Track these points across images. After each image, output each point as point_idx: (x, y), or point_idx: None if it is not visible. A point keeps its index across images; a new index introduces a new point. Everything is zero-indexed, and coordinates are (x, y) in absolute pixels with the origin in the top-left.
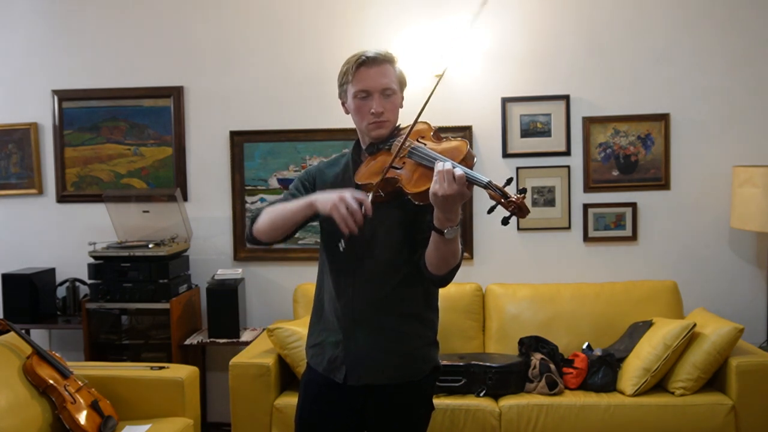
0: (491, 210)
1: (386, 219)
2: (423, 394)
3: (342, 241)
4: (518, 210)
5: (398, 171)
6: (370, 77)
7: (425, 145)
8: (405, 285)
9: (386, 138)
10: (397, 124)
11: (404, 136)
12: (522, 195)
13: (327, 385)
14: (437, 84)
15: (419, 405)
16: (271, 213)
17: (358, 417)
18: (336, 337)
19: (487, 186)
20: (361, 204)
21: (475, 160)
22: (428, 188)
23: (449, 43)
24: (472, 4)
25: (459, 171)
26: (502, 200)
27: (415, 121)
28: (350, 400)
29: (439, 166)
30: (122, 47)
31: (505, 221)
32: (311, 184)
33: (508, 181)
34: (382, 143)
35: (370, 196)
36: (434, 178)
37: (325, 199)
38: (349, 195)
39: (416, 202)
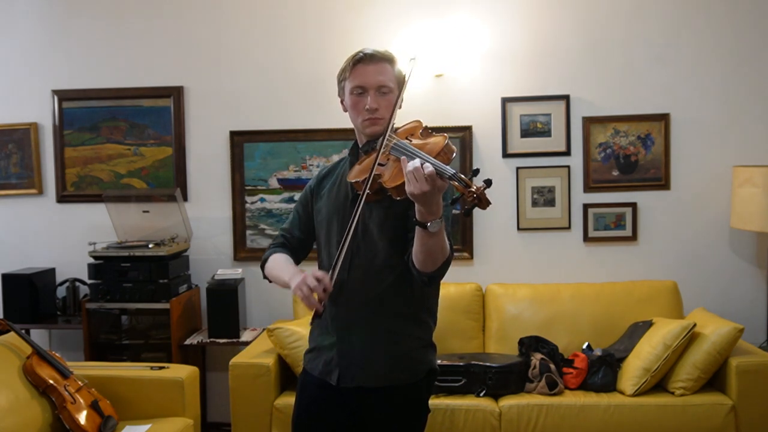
0: (454, 201)
1: (379, 219)
2: (418, 397)
3: (313, 317)
4: (478, 201)
5: (382, 167)
6: (366, 74)
7: (410, 142)
8: (399, 285)
9: (381, 136)
10: (393, 124)
11: (386, 133)
12: (483, 185)
13: (322, 387)
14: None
15: (414, 407)
16: (272, 269)
17: (353, 419)
18: (330, 340)
19: (452, 177)
20: (320, 281)
21: (455, 154)
22: (403, 182)
23: (451, 44)
24: (473, 4)
25: (429, 168)
26: (465, 191)
27: (393, 115)
28: (345, 402)
29: (407, 166)
30: (122, 47)
31: (466, 212)
32: (310, 201)
33: (475, 172)
34: (376, 142)
35: (332, 274)
36: (405, 178)
37: (294, 282)
38: (310, 275)
39: (395, 197)
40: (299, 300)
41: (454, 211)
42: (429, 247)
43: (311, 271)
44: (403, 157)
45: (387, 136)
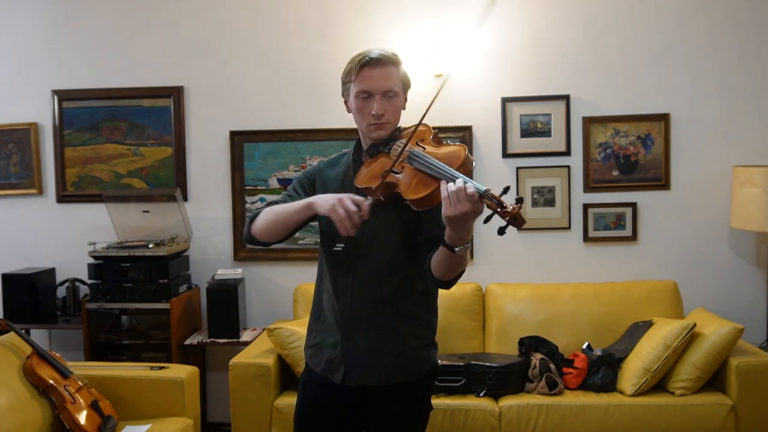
0: (488, 219)
1: (386, 221)
2: (421, 395)
3: (340, 243)
4: (514, 220)
5: (397, 176)
6: (372, 78)
7: (424, 149)
8: (404, 286)
9: (386, 140)
10: (398, 126)
11: (405, 141)
12: (519, 205)
13: (325, 386)
14: (442, 86)
15: (417, 405)
16: (270, 213)
17: (356, 417)
18: (334, 338)
19: (484, 195)
20: (359, 207)
21: (474, 164)
22: (426, 194)
23: (451, 44)
24: (473, 4)
25: (471, 189)
26: (499, 210)
27: (417, 127)
28: (348, 400)
29: (446, 187)
30: (122, 47)
31: (501, 231)
32: (310, 185)
33: (505, 190)
34: (382, 145)
35: (369, 200)
36: (443, 200)
37: (324, 201)
38: (347, 198)
39: (415, 208)
40: (337, 221)
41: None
42: (451, 264)
43: (346, 195)
44: (442, 181)
45: (401, 144)
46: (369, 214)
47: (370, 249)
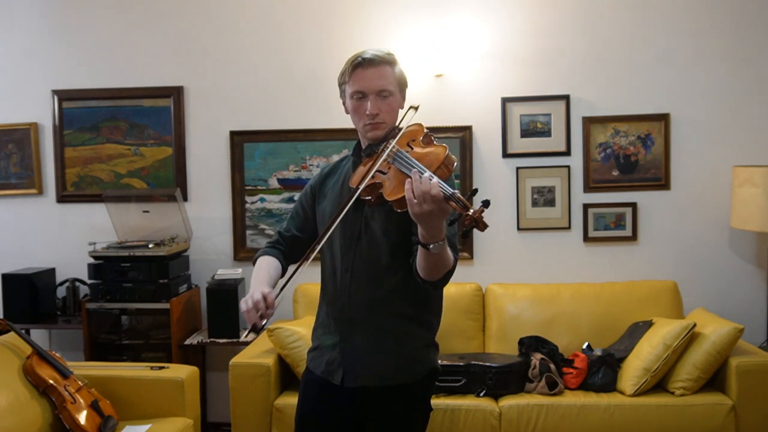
0: (453, 222)
1: (384, 221)
2: (420, 396)
3: (249, 329)
4: (475, 223)
5: (383, 176)
6: (366, 78)
7: (412, 149)
8: (402, 286)
9: (383, 139)
10: (397, 125)
11: (391, 141)
12: (481, 208)
13: (325, 387)
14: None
15: (417, 406)
16: (256, 267)
17: (356, 418)
18: (333, 340)
19: (450, 198)
20: (265, 300)
21: (456, 164)
22: (403, 195)
23: (451, 44)
24: (473, 4)
25: (435, 190)
26: (464, 213)
27: (400, 126)
28: (348, 401)
29: (408, 184)
30: (122, 47)
31: (464, 234)
32: (310, 201)
33: (473, 192)
34: (378, 145)
35: (278, 294)
36: (407, 199)
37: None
38: (258, 291)
39: (396, 209)
40: (243, 311)
41: None
42: (432, 263)
43: (261, 288)
44: (409, 178)
45: (388, 144)
46: (275, 307)
47: (368, 249)
